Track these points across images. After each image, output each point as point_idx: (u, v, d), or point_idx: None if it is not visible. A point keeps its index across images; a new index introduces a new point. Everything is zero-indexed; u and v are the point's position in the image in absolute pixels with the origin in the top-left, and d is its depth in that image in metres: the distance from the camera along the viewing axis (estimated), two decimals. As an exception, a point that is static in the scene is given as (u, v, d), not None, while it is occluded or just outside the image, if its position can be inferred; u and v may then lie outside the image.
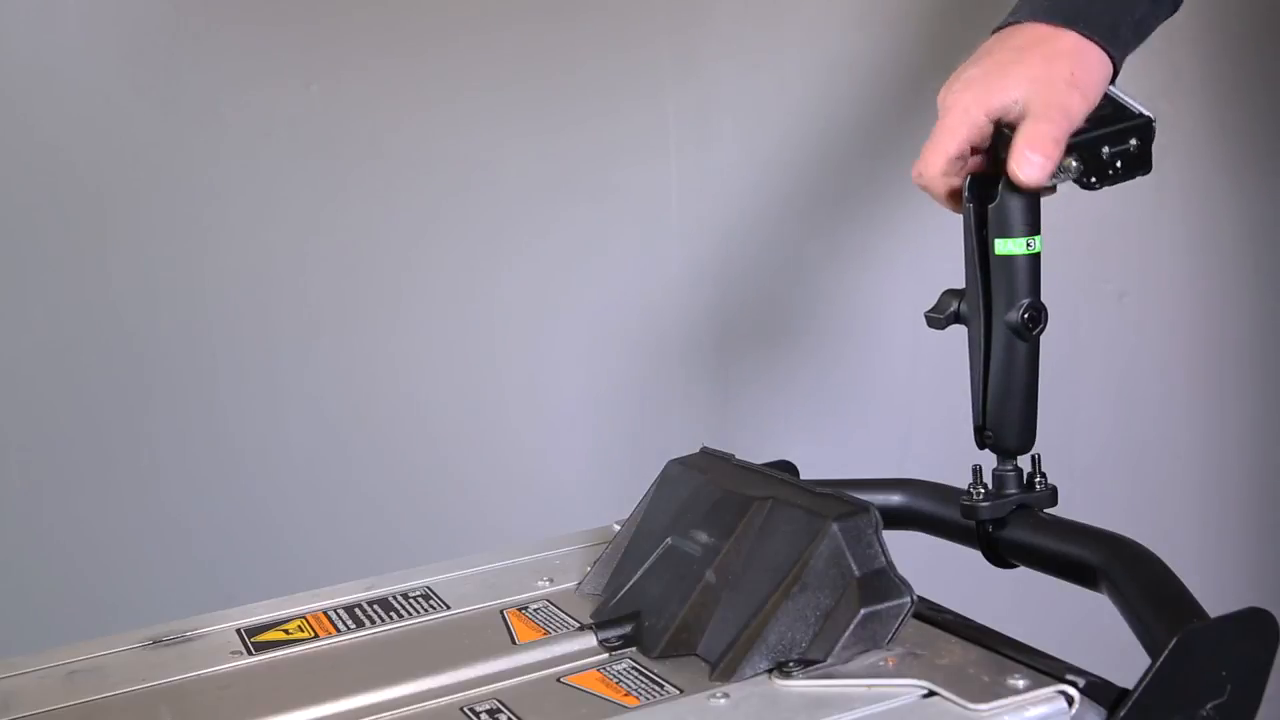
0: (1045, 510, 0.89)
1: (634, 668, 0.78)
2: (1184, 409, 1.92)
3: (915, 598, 0.76)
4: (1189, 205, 1.85)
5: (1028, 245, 0.86)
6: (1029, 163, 0.85)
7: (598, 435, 1.63)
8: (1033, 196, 0.87)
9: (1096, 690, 0.68)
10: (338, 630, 0.88)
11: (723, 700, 0.72)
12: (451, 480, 1.58)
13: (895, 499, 0.96)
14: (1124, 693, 0.68)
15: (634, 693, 0.75)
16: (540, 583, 0.93)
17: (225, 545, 1.49)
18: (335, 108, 1.47)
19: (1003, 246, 0.86)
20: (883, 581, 0.76)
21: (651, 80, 1.59)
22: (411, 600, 0.92)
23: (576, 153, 1.57)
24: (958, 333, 0.92)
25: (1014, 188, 0.86)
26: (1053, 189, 0.89)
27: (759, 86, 1.63)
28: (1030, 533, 0.87)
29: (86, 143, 1.41)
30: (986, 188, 0.88)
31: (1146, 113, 0.90)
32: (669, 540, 0.85)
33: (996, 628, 0.77)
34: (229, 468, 1.49)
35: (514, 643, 0.83)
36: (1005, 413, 0.88)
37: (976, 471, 0.89)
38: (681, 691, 0.74)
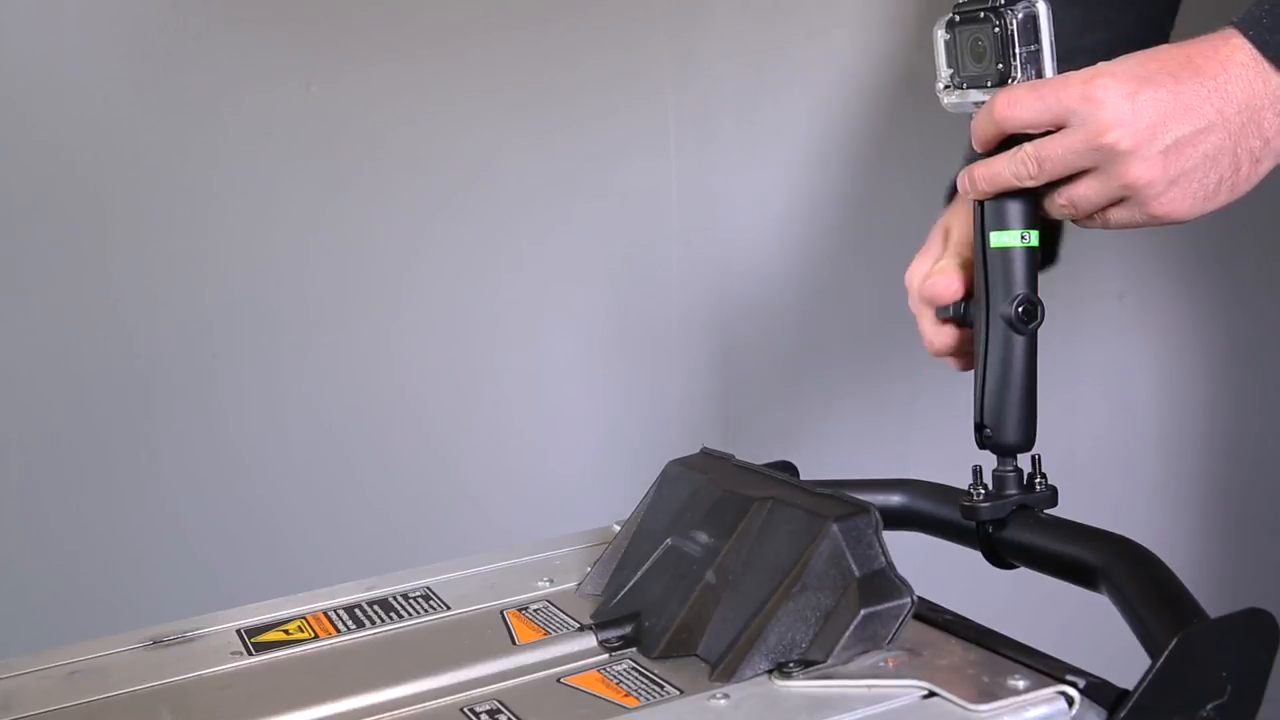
0: (1045, 511, 0.89)
1: (634, 668, 0.78)
2: (1183, 409, 1.92)
3: (915, 598, 0.76)
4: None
5: (1022, 238, 0.86)
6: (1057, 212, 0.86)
7: (598, 436, 1.63)
8: (1030, 192, 0.86)
9: (1096, 691, 0.68)
10: (338, 631, 0.88)
11: (723, 701, 0.72)
12: (451, 480, 1.58)
13: (895, 499, 0.96)
14: (1124, 693, 0.68)
15: (634, 693, 0.75)
16: (540, 583, 0.93)
17: (225, 545, 1.49)
18: (335, 108, 1.47)
19: (998, 239, 0.87)
20: (883, 582, 0.76)
21: (651, 80, 1.59)
22: (411, 600, 0.92)
23: (576, 153, 1.57)
24: (957, 333, 0.92)
25: None
26: None
27: (759, 86, 1.63)
28: (1030, 533, 0.87)
29: (86, 143, 1.41)
30: None
31: None
32: (669, 541, 0.85)
33: (996, 628, 0.77)
34: (229, 468, 1.49)
35: (514, 643, 0.83)
36: (1003, 408, 0.88)
37: (976, 472, 0.88)
38: (681, 692, 0.74)
